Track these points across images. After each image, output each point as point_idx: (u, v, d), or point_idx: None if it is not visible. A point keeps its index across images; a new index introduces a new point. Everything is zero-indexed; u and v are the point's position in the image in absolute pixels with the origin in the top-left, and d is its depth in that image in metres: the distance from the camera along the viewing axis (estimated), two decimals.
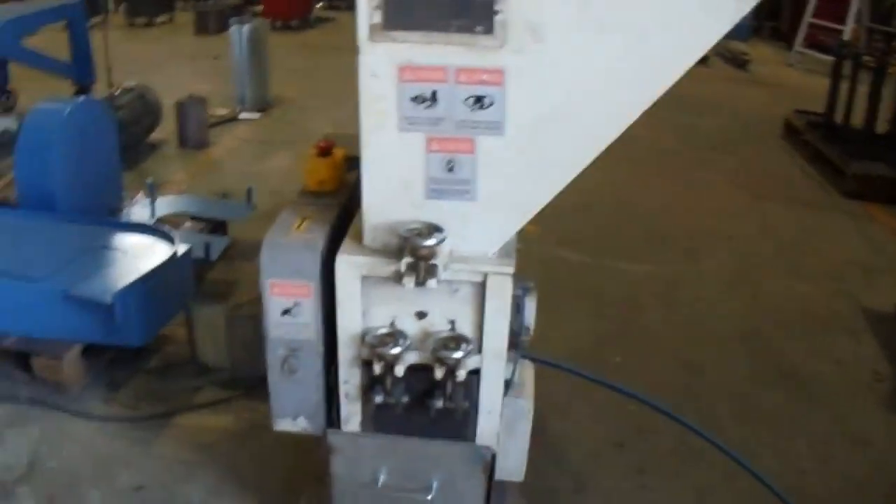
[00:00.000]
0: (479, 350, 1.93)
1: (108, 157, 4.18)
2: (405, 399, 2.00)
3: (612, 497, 2.85)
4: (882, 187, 5.45)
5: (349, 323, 1.93)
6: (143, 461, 2.89)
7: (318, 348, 2.01)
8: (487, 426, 2.06)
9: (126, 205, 4.29)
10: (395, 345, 1.89)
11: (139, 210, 4.28)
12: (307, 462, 2.50)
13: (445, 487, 2.09)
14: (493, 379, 1.98)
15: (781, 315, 4.06)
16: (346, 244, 1.90)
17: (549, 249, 4.44)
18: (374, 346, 1.89)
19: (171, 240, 3.51)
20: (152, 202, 4.32)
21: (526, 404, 2.18)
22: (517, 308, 2.03)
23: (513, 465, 2.25)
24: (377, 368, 1.92)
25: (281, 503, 2.68)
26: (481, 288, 1.86)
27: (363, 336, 1.94)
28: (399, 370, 1.91)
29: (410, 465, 2.08)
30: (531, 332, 2.11)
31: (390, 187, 1.83)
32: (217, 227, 4.41)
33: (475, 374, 1.96)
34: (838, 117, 5.99)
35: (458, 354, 1.87)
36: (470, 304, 1.90)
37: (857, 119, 5.75)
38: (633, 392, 3.15)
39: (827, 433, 3.24)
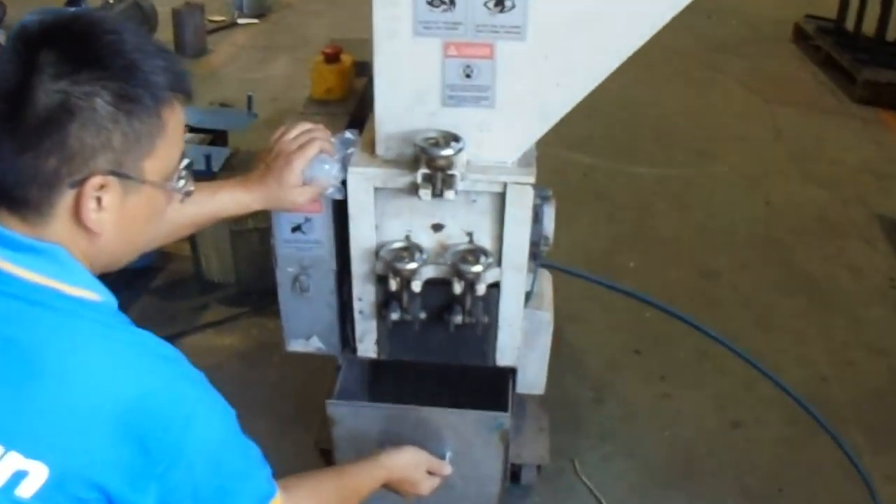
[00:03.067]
0: (499, 263, 1.85)
1: None
2: (422, 315, 1.92)
3: (633, 406, 2.81)
4: (894, 95, 5.31)
5: (362, 238, 1.85)
6: None
7: (331, 265, 1.93)
8: (508, 341, 1.99)
9: None
10: (412, 259, 1.81)
11: None
12: (319, 381, 2.45)
13: (459, 458, 2.01)
14: (514, 292, 1.90)
15: (795, 221, 3.99)
16: (358, 156, 1.80)
17: (560, 153, 4.33)
18: (389, 261, 1.81)
19: None
20: None
21: (546, 316, 2.11)
22: (536, 217, 1.94)
23: (533, 378, 2.19)
24: (393, 284, 1.84)
25: (294, 428, 2.64)
26: (500, 198, 1.77)
27: (377, 251, 1.85)
28: (416, 286, 1.83)
29: (419, 434, 1.99)
30: (550, 242, 2.03)
31: (405, 95, 1.72)
32: (218, 137, 4.29)
33: (494, 287, 1.89)
34: (850, 23, 5.80)
35: (477, 268, 1.79)
36: (489, 216, 1.81)
37: (869, 26, 5.56)
38: (650, 298, 3.09)
39: (845, 341, 3.19)
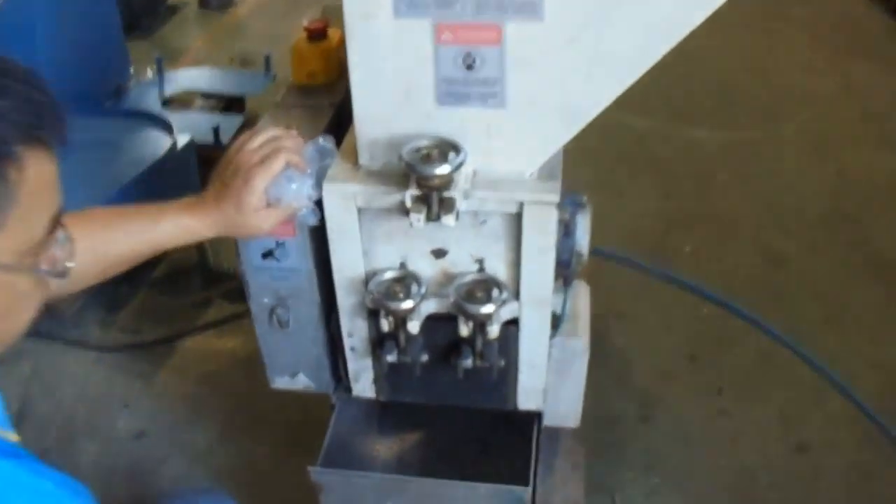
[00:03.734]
0: (516, 295, 1.49)
1: (105, 27, 3.65)
2: (424, 358, 1.57)
3: (685, 426, 2.44)
4: None
5: (347, 266, 1.49)
6: (144, 400, 2.55)
7: (313, 296, 1.58)
8: (532, 384, 1.63)
9: (134, 84, 3.83)
10: (407, 295, 1.45)
11: (147, 90, 3.82)
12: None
13: None
14: (536, 330, 1.54)
15: (871, 194, 3.52)
16: (337, 167, 1.43)
17: (612, 114, 3.88)
18: (380, 298, 1.45)
19: (169, 129, 3.08)
20: (160, 80, 3.85)
21: (580, 344, 1.74)
22: (566, 231, 1.57)
23: (566, 412, 1.83)
24: (385, 324, 1.49)
25: (296, 449, 2.33)
26: (517, 220, 1.40)
27: (367, 280, 1.50)
28: (413, 326, 1.47)
29: None
30: (585, 260, 1.65)
31: (389, 93, 1.34)
32: (232, 103, 3.94)
33: (513, 324, 1.52)
34: None
35: (488, 309, 1.42)
36: (502, 241, 1.44)
37: None
38: (708, 292, 2.71)
39: None
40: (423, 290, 1.46)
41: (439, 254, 1.48)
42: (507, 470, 1.69)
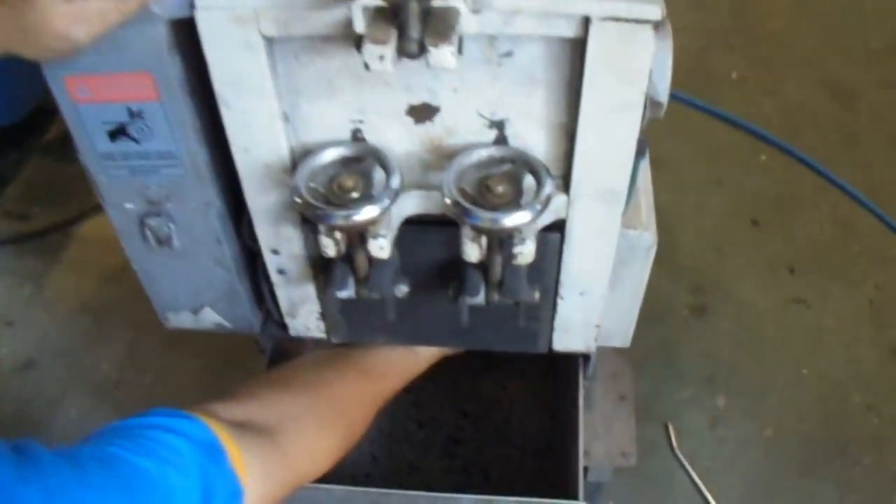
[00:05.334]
0: (566, 186, 0.83)
1: None
2: (401, 291, 0.93)
3: (752, 322, 1.83)
4: None
5: (254, 143, 0.83)
6: (34, 317, 1.90)
7: (205, 195, 0.91)
8: (579, 319, 1.00)
9: None
10: (365, 193, 0.79)
11: None
12: None
13: None
14: (597, 241, 0.89)
15: None
16: None
17: None
18: (318, 201, 0.79)
19: None
20: None
21: (646, 238, 1.07)
22: None
23: (615, 326, 1.19)
24: (331, 245, 0.84)
25: (231, 374, 1.71)
26: (572, 52, 0.73)
27: (293, 166, 0.83)
28: (380, 246, 0.82)
29: None
30: (662, 112, 0.96)
31: None
32: None
33: (554, 229, 0.88)
34: None
35: (517, 217, 0.76)
36: (541, 88, 0.77)
37: None
38: (767, 133, 2.08)
39: None
40: (394, 181, 0.80)
41: (423, 113, 0.81)
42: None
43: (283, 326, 1.09)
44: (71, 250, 2.04)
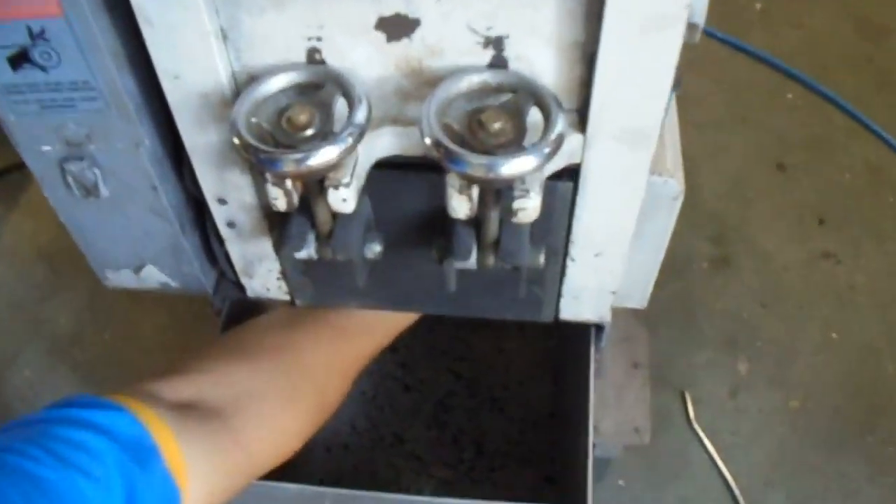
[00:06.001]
0: (581, 123, 0.66)
1: None
2: (373, 251, 0.75)
3: (777, 275, 1.66)
4: None
5: (186, 69, 0.65)
6: None
7: (132, 133, 0.73)
8: (594, 284, 0.83)
9: None
10: (321, 137, 0.62)
11: None
12: None
13: None
14: (621, 191, 0.72)
15: None
16: None
17: None
18: (254, 146, 0.61)
19: None
20: None
21: (672, 186, 0.89)
22: None
23: (632, 285, 1.01)
24: (281, 197, 0.66)
25: (201, 326, 1.55)
26: None
27: (235, 96, 0.65)
28: (342, 198, 0.65)
29: None
30: (698, 35, 0.77)
31: None
32: None
33: (564, 177, 0.70)
34: None
35: (520, 164, 0.58)
36: None
37: None
38: (793, 70, 1.90)
39: None
40: (360, 115, 0.62)
41: (398, 27, 0.63)
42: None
43: (241, 287, 0.92)
44: (31, 192, 1.87)
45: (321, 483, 1.28)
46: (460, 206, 0.64)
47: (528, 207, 0.63)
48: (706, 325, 1.56)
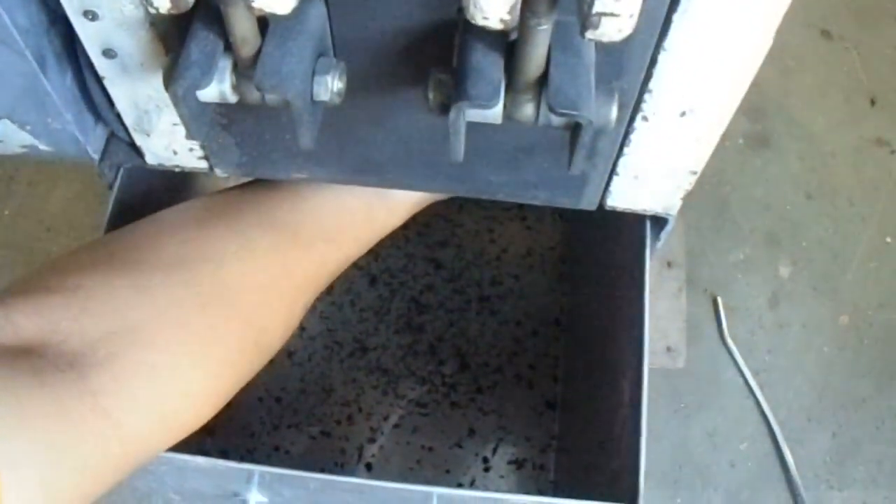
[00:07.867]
0: None
1: None
2: (331, 88, 0.45)
3: (823, 160, 1.38)
4: None
5: None
6: None
7: None
8: (668, 168, 0.55)
9: None
10: None
11: None
12: None
13: None
14: (744, 21, 0.42)
15: None
16: None
17: None
18: None
19: None
20: None
21: None
22: None
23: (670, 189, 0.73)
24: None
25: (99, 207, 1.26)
26: None
27: None
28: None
29: None
30: None
31: None
32: None
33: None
34: None
35: None
36: None
37: None
38: None
39: None
40: None
41: None
42: None
43: (137, 149, 0.63)
44: None
45: (254, 416, 1.02)
46: (491, 2, 0.34)
47: (621, 13, 0.34)
48: (741, 216, 1.29)
